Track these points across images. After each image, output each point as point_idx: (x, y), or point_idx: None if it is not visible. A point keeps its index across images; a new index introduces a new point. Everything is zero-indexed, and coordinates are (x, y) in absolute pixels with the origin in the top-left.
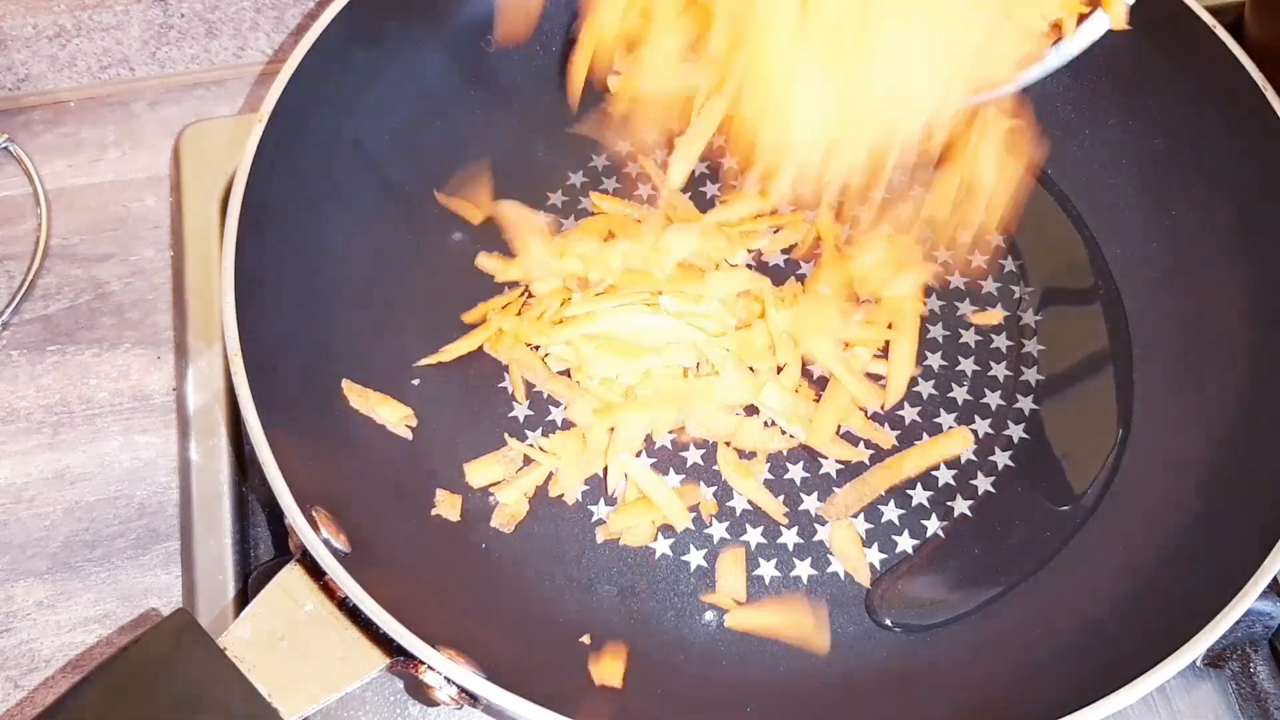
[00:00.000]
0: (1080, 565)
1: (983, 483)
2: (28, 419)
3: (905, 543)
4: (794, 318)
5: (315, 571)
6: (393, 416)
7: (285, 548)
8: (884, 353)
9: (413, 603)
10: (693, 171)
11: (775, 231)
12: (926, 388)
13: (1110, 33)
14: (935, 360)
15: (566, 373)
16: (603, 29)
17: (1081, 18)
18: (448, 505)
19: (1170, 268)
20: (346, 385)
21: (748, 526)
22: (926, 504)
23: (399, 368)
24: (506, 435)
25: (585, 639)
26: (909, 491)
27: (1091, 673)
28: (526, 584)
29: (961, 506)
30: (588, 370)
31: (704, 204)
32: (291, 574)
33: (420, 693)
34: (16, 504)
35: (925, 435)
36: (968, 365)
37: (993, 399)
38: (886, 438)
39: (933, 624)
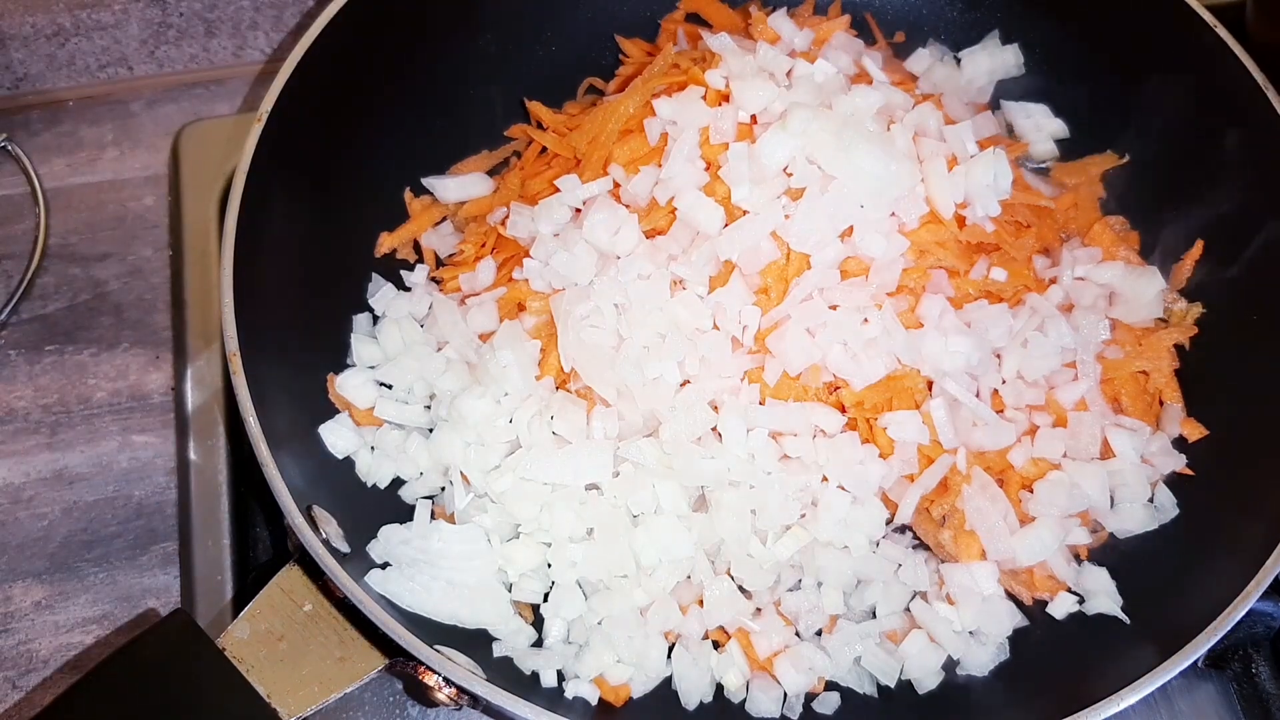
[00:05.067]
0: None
1: None
2: (26, 419)
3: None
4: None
5: (314, 572)
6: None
7: (284, 548)
8: None
9: None
10: None
11: None
12: None
13: (1113, 34)
14: None
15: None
16: None
17: None
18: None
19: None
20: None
21: None
22: None
23: None
24: None
25: None
26: None
27: (1093, 673)
28: None
29: None
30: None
31: None
32: (290, 574)
33: (419, 693)
34: (14, 504)
35: None
36: None
37: None
38: None
39: None
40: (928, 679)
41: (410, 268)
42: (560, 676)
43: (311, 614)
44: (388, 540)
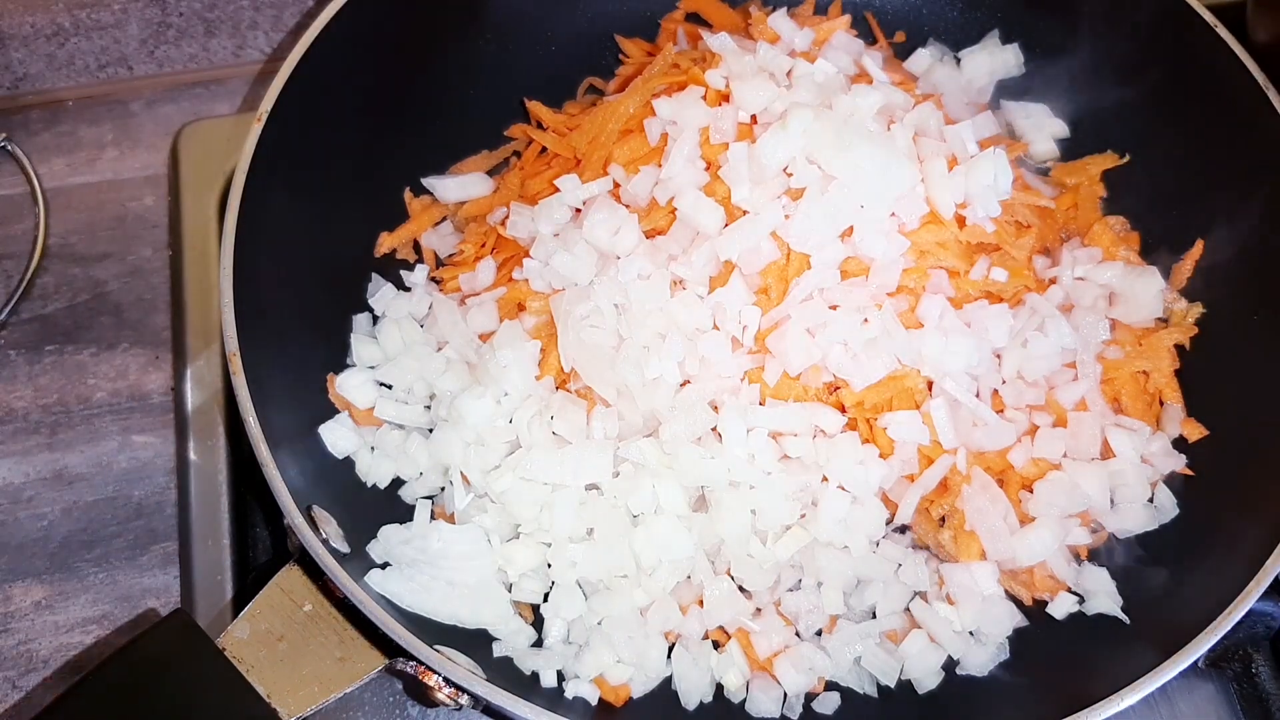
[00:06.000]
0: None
1: None
2: (25, 419)
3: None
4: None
5: (314, 572)
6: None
7: (284, 548)
8: None
9: None
10: None
11: None
12: None
13: (1114, 34)
14: None
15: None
16: None
17: None
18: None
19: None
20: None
21: None
22: None
23: None
24: None
25: None
26: None
27: (1093, 673)
28: None
29: None
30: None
31: None
32: (290, 574)
33: (419, 693)
34: (14, 504)
35: None
36: None
37: None
38: None
39: None
40: (928, 679)
41: (410, 268)
42: (560, 676)
43: (311, 614)
44: (388, 540)
